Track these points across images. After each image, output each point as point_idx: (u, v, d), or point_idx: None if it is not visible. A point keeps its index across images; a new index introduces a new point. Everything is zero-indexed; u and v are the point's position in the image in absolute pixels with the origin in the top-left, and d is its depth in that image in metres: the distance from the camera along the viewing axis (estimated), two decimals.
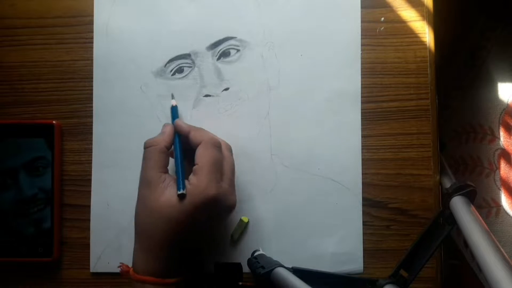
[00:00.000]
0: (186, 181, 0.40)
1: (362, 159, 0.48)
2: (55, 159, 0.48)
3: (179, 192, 0.40)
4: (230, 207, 0.42)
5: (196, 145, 0.42)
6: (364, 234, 0.47)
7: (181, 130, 0.43)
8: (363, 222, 0.48)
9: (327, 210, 0.48)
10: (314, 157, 0.48)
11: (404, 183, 0.48)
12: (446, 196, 0.41)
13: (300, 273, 0.42)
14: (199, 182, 0.39)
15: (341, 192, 0.48)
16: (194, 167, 0.40)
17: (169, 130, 0.44)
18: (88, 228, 0.49)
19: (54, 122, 0.49)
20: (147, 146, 0.43)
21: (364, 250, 0.47)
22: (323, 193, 0.48)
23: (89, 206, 0.49)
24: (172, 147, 0.44)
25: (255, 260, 0.45)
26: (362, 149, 0.48)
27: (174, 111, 0.47)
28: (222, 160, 0.42)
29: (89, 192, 0.49)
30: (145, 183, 0.41)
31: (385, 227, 0.48)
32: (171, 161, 0.44)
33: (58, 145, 0.49)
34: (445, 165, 0.50)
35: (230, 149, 0.45)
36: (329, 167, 0.48)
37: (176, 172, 0.42)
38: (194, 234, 0.42)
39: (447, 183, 0.47)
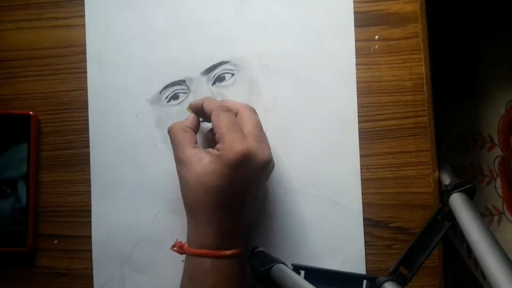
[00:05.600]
0: (214, 150, 0.41)
1: (362, 179, 0.48)
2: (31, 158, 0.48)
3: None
4: (264, 162, 0.41)
5: (210, 118, 0.43)
6: (366, 254, 0.47)
7: (196, 107, 0.44)
8: (365, 242, 0.47)
9: (328, 232, 0.48)
10: (313, 178, 0.48)
11: (404, 201, 0.48)
12: (445, 193, 0.41)
13: (300, 270, 0.41)
14: (225, 144, 0.40)
15: (342, 213, 0.48)
16: (216, 136, 0.41)
17: (190, 114, 0.45)
18: (90, 259, 0.49)
19: (31, 113, 0.49)
20: (168, 130, 0.44)
21: (367, 270, 0.47)
22: (324, 215, 0.48)
23: (90, 237, 0.49)
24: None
25: (254, 257, 0.45)
26: (361, 169, 0.48)
27: None
28: (236, 120, 0.42)
29: (89, 222, 0.49)
30: (178, 164, 0.42)
31: (387, 247, 0.47)
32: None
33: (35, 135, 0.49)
34: (445, 162, 0.50)
35: (252, 110, 0.44)
36: (329, 188, 0.48)
37: None
38: (239, 201, 0.42)
39: (446, 180, 0.47)
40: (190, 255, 0.42)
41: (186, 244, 0.42)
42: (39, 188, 0.50)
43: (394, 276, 0.40)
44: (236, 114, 0.43)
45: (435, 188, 0.47)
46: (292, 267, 0.42)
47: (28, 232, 0.48)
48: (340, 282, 0.42)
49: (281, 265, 0.42)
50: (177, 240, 0.44)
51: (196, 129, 0.44)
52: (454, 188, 0.40)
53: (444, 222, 0.41)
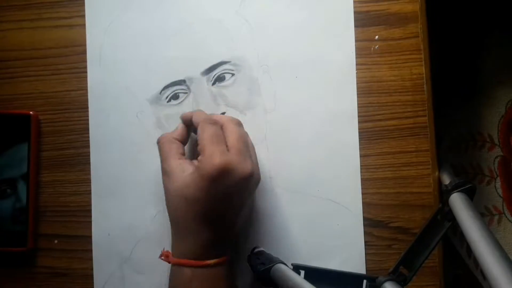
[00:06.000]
0: (195, 161, 0.41)
1: (362, 179, 0.48)
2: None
3: None
4: (245, 177, 0.40)
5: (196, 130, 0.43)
6: (366, 254, 0.47)
7: (186, 119, 0.45)
8: (365, 242, 0.47)
9: (328, 231, 0.48)
10: (313, 178, 0.48)
11: (404, 201, 0.48)
12: (445, 193, 0.41)
13: (300, 269, 0.41)
14: (204, 157, 0.40)
15: (342, 213, 0.48)
16: (198, 148, 0.41)
17: (179, 125, 0.46)
18: (91, 259, 0.49)
19: (31, 113, 0.49)
20: (158, 141, 0.44)
21: (367, 270, 0.47)
22: (324, 215, 0.48)
23: (90, 237, 0.49)
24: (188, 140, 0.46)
25: (255, 257, 0.45)
26: (361, 168, 0.48)
27: None
28: (221, 133, 0.42)
29: (90, 222, 0.49)
30: (164, 174, 0.43)
31: (387, 247, 0.48)
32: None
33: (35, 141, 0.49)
34: (445, 162, 0.50)
35: (237, 123, 0.44)
36: (329, 188, 0.48)
37: None
38: (219, 213, 0.41)
39: (446, 180, 0.47)
40: (173, 264, 0.42)
41: (170, 254, 0.43)
42: (39, 188, 0.50)
43: (394, 276, 0.40)
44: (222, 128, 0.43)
45: (435, 188, 0.47)
46: (292, 267, 0.42)
47: (28, 232, 0.48)
48: (340, 282, 0.42)
49: (281, 265, 0.42)
50: (164, 249, 0.44)
51: (184, 140, 0.45)
52: (454, 188, 0.40)
53: (444, 222, 0.41)
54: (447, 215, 0.40)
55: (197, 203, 0.40)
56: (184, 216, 0.41)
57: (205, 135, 0.41)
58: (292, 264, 0.42)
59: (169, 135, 0.44)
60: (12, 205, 0.49)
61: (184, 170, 0.41)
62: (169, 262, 0.43)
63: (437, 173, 0.47)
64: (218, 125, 0.43)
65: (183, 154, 0.43)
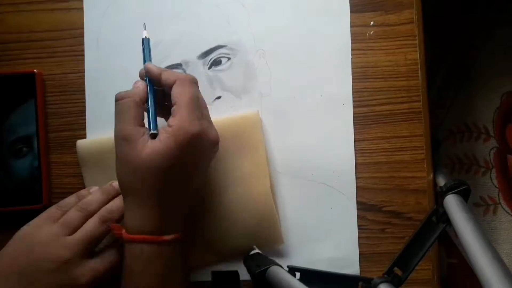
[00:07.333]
0: (166, 128, 0.38)
1: (356, 163, 0.48)
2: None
3: (151, 132, 0.38)
4: (213, 143, 0.41)
5: (170, 86, 0.39)
6: (359, 238, 0.48)
7: (151, 72, 0.41)
8: (358, 226, 0.48)
9: (322, 215, 0.48)
10: (308, 162, 0.48)
11: (398, 186, 0.48)
12: (440, 195, 0.41)
13: (295, 271, 0.42)
14: (181, 122, 0.37)
15: (336, 196, 0.48)
16: (173, 108, 0.39)
17: (141, 84, 0.42)
18: None
19: (35, 71, 0.49)
20: (119, 99, 0.40)
21: (360, 254, 0.47)
22: (318, 199, 0.48)
23: None
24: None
25: (250, 259, 0.45)
26: (355, 153, 0.48)
27: (147, 45, 0.44)
28: (199, 96, 0.40)
29: None
30: (122, 139, 0.39)
31: (380, 231, 0.48)
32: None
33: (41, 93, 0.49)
34: (440, 165, 0.50)
35: (197, 83, 0.42)
36: (323, 172, 0.48)
37: (149, 111, 0.40)
38: (184, 184, 0.40)
39: (441, 182, 0.47)
40: (129, 241, 0.38)
41: (124, 231, 0.39)
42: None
43: (389, 277, 0.40)
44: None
45: (429, 173, 0.48)
46: (287, 269, 0.42)
47: (42, 188, 0.48)
48: (335, 283, 0.42)
49: (277, 267, 0.42)
50: (113, 224, 0.41)
51: (145, 102, 0.41)
52: (448, 189, 0.40)
53: (438, 223, 0.41)
54: (442, 216, 0.40)
55: (168, 173, 0.37)
56: (150, 189, 0.38)
57: (185, 95, 0.38)
58: (287, 266, 0.42)
59: (132, 96, 0.40)
60: (30, 163, 0.48)
61: (149, 140, 0.38)
62: (121, 238, 0.39)
63: (431, 178, 0.47)
64: (197, 85, 0.41)
65: (143, 119, 0.40)
